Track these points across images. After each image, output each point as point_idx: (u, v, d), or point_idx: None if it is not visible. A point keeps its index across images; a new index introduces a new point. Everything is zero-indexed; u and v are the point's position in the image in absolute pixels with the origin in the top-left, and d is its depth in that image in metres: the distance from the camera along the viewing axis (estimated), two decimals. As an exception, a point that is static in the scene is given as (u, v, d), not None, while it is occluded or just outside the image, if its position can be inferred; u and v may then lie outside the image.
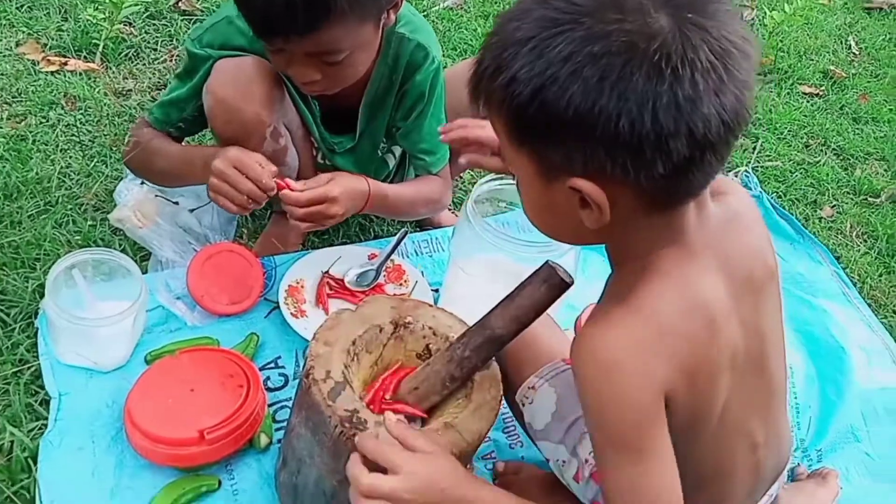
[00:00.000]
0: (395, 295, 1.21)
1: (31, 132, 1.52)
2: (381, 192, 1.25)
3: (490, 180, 1.25)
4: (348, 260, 1.38)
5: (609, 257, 0.81)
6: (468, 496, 0.78)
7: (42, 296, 1.20)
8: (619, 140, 0.62)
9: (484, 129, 1.07)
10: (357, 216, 1.50)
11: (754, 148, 2.02)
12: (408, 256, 1.48)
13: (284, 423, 1.13)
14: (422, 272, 1.44)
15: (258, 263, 1.29)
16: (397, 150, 1.39)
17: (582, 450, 0.96)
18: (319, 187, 1.14)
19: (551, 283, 0.89)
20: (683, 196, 0.70)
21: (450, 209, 1.63)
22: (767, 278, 0.82)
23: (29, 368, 1.11)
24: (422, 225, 1.58)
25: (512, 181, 1.33)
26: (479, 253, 1.24)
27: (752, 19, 2.56)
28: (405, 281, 1.40)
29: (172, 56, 1.82)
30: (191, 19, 1.92)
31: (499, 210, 1.43)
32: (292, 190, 1.12)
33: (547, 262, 0.90)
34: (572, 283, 0.89)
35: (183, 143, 1.31)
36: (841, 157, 2.08)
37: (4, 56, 1.68)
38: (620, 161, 0.64)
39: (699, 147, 0.63)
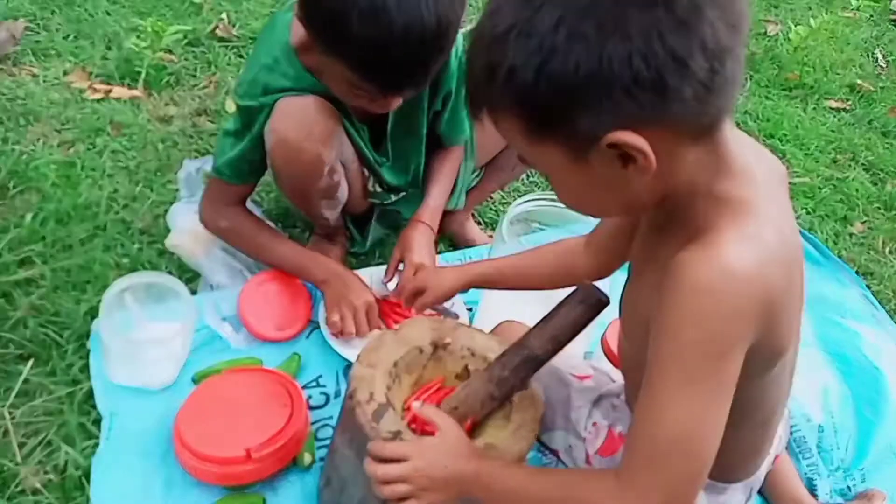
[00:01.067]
0: (434, 316, 1.24)
1: (79, 158, 1.58)
2: (429, 213, 1.33)
3: (525, 202, 1.28)
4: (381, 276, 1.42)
5: (665, 210, 0.75)
6: (467, 470, 0.83)
7: (93, 318, 1.26)
8: (638, 80, 0.60)
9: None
10: (392, 237, 1.55)
11: (783, 164, 2.02)
12: (441, 276, 1.51)
13: (327, 442, 1.16)
14: (455, 292, 1.46)
15: (306, 293, 1.33)
16: None
17: (580, 427, 1.00)
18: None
19: (588, 303, 0.91)
20: (720, 114, 0.66)
21: (482, 228, 1.67)
22: (784, 182, 0.81)
23: (81, 389, 1.15)
24: (455, 244, 1.61)
25: (545, 202, 1.37)
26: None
27: (777, 34, 2.57)
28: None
29: (211, 82, 1.88)
30: (228, 45, 1.99)
31: (532, 230, 1.46)
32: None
33: (583, 282, 0.93)
34: (609, 302, 0.92)
35: (271, 229, 1.39)
36: (871, 172, 2.07)
37: (54, 85, 1.75)
38: (647, 100, 0.61)
39: (717, 56, 0.61)
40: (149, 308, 1.21)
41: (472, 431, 0.98)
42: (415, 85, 1.10)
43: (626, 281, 0.89)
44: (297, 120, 1.14)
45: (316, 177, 1.21)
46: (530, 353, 0.94)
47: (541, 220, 1.41)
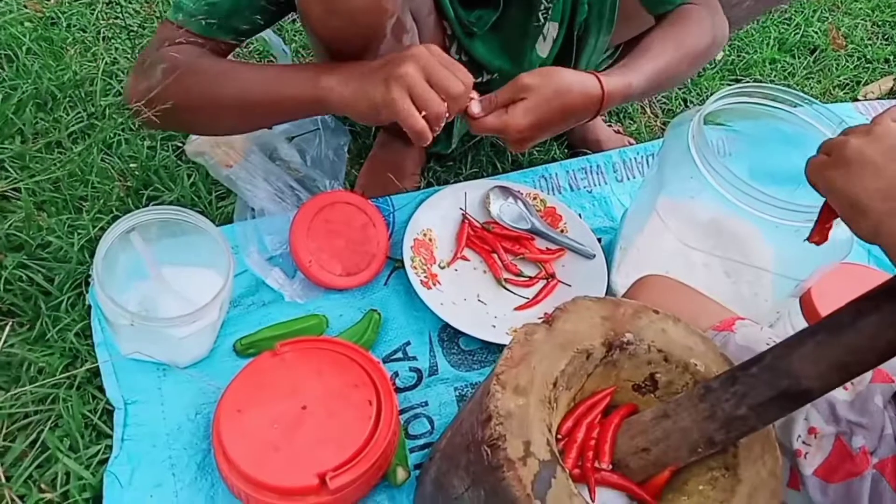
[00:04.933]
0: (601, 299, 0.78)
1: (63, 13, 1.15)
2: (621, 89, 0.81)
3: (727, 95, 0.84)
4: (481, 195, 1.03)
5: None
6: None
7: (91, 254, 0.90)
8: None
9: None
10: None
11: None
12: (560, 192, 1.11)
13: (421, 440, 0.84)
14: (579, 214, 1.07)
15: (381, 219, 0.94)
16: (555, 26, 0.95)
17: (788, 435, 0.68)
18: (499, 119, 0.77)
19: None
20: None
21: (610, 125, 1.23)
22: None
23: (83, 364, 0.82)
24: (573, 145, 1.19)
25: (749, 97, 0.88)
26: (690, 197, 0.87)
27: None
28: (563, 229, 1.04)
29: None
30: None
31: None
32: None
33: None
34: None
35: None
36: None
37: None
38: None
39: None
40: (163, 245, 0.84)
41: (669, 482, 0.64)
42: None
43: None
44: None
45: (376, 37, 0.76)
46: (794, 386, 0.56)
47: (726, 121, 0.97)
